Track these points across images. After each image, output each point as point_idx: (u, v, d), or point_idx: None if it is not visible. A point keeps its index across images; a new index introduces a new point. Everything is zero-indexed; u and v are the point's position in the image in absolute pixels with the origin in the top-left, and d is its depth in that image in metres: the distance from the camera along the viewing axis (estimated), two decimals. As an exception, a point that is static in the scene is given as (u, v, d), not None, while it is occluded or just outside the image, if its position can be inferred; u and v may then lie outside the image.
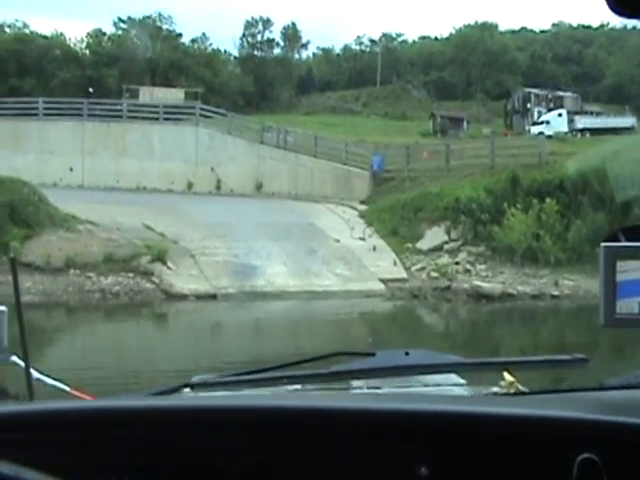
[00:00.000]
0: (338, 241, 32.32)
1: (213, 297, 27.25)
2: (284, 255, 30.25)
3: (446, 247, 32.01)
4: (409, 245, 32.28)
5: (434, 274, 30.11)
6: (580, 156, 32.57)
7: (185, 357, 18.76)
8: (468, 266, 30.58)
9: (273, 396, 2.24)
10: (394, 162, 41.51)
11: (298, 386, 2.48)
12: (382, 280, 29.26)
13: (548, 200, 30.65)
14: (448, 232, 32.48)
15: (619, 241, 1.86)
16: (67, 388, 4.82)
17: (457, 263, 30.85)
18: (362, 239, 32.78)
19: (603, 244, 1.80)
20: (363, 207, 37.73)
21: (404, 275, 30.03)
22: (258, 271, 28.84)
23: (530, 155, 36.88)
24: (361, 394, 2.45)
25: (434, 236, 32.45)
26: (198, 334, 24.69)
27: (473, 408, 1.79)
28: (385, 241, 32.73)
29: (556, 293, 28.88)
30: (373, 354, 2.43)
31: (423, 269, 30.54)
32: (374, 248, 31.75)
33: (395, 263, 30.78)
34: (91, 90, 55.21)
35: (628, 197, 24.67)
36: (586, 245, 28.43)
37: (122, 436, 1.69)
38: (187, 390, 2.32)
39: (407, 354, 2.38)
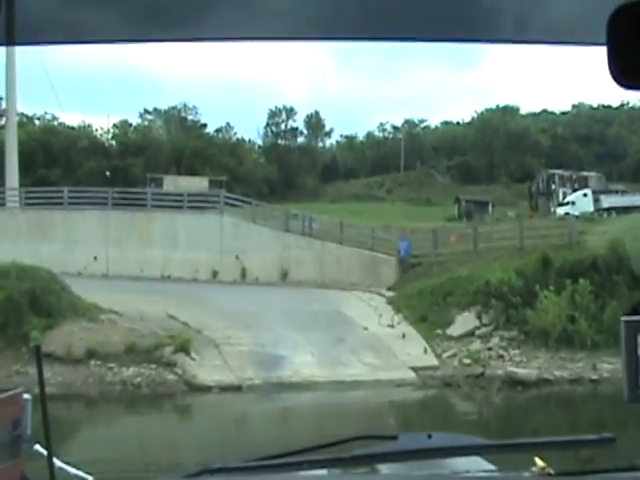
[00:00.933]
0: (366, 329, 31.57)
1: (238, 388, 26.34)
2: (311, 344, 29.46)
3: (477, 332, 31.09)
4: (439, 331, 31.49)
5: (466, 360, 29.21)
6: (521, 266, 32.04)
7: (208, 450, 17.92)
8: (501, 351, 29.65)
9: None
10: (421, 247, 41.02)
11: (321, 471, 2.44)
12: (412, 368, 28.36)
13: (581, 280, 29.85)
14: (479, 317, 31.61)
15: None
16: (90, 478, 4.79)
17: (489, 349, 29.94)
18: (391, 326, 32.04)
19: (623, 318, 1.78)
20: (391, 293, 37.10)
21: (435, 363, 29.14)
22: (285, 361, 28.02)
23: (559, 236, 36.31)
24: None
25: (465, 321, 31.60)
26: (221, 427, 23.78)
27: None
28: (414, 328, 31.93)
29: (595, 377, 27.82)
30: (395, 437, 2.37)
31: (455, 356, 29.66)
32: (403, 335, 30.95)
33: (425, 350, 29.94)
34: (108, 174, 55.27)
35: None
36: (623, 327, 27.59)
37: None
38: (207, 475, 2.29)
39: (430, 437, 2.32)
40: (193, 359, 27.71)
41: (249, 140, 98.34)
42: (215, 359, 27.95)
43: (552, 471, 2.57)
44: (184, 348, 27.81)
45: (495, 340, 30.41)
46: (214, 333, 29.94)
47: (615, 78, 1.40)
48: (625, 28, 1.41)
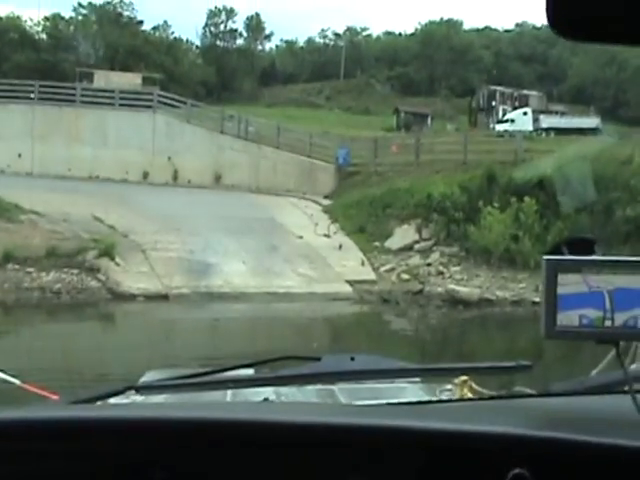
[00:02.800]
0: (301, 237, 30.58)
1: (164, 297, 24.92)
2: (243, 252, 28.23)
3: (417, 247, 30.07)
4: (377, 244, 30.50)
5: (405, 276, 28.15)
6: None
7: (131, 361, 16.51)
8: (441, 268, 28.62)
9: (196, 406, 2.15)
10: (360, 156, 40.32)
11: (246, 390, 2.63)
12: (349, 282, 27.24)
13: (527, 199, 28.74)
14: (419, 231, 30.58)
15: (562, 254, 1.85)
16: (17, 381, 4.56)
17: (429, 264, 28.92)
18: (327, 236, 31.06)
19: (545, 257, 1.79)
20: (327, 202, 36.38)
21: (373, 277, 28.02)
22: (215, 269, 26.69)
23: (504, 152, 35.60)
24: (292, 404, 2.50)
25: (404, 235, 30.55)
26: (146, 339, 22.00)
27: (400, 421, 1.75)
28: (351, 239, 30.95)
29: (537, 299, 26.75)
30: (319, 359, 2.39)
31: (393, 270, 28.57)
32: (340, 246, 29.90)
33: (363, 263, 28.87)
34: None
35: (573, 208, 24.90)
36: (567, 248, 26.76)
37: (36, 447, 1.67)
38: (132, 393, 2.29)
39: (353, 359, 2.36)
40: (118, 264, 26.17)
41: (187, 40, 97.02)
42: (141, 265, 26.48)
43: (471, 395, 2.69)
44: (108, 253, 26.24)
45: (435, 256, 29.40)
46: (141, 237, 28.61)
47: (554, 26, 1.37)
48: None
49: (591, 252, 1.89)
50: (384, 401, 2.45)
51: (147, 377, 3.07)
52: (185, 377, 2.39)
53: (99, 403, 2.17)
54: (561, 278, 1.78)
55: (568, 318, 1.78)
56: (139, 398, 2.38)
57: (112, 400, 2.26)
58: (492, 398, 2.37)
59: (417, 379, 3.05)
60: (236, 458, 1.68)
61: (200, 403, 2.34)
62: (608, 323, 1.79)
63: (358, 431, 1.70)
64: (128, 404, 2.30)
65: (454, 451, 1.67)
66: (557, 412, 1.97)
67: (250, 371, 2.57)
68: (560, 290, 1.78)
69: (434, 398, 2.79)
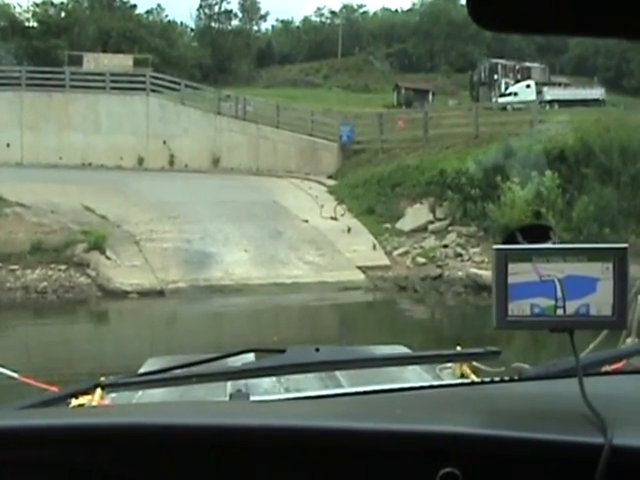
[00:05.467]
0: (306, 221, 28.73)
1: (160, 294, 22.78)
2: (245, 239, 26.40)
3: (431, 227, 28.06)
4: (388, 225, 28.61)
5: (420, 259, 26.13)
6: (480, 155, 29.44)
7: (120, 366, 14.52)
8: (459, 249, 26.53)
9: (148, 407, 2.24)
10: (365, 132, 38.95)
11: (212, 384, 2.57)
12: (361, 268, 25.20)
13: (548, 173, 26.68)
14: (433, 210, 28.61)
15: (517, 241, 1.89)
16: (16, 375, 4.40)
17: (446, 246, 26.87)
18: (334, 219, 29.21)
19: (495, 246, 1.83)
20: (332, 182, 34.76)
21: (386, 262, 25.97)
22: (214, 259, 24.70)
23: (517, 123, 33.77)
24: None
25: (416, 215, 28.60)
26: (134, 343, 19.85)
27: (333, 422, 1.74)
28: (360, 221, 29.13)
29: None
30: (283, 351, 2.46)
31: (407, 253, 26.57)
32: (348, 229, 27.98)
33: (374, 247, 26.87)
34: None
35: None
36: (593, 224, 25.45)
37: None
38: (99, 390, 2.31)
39: (317, 350, 2.44)
40: (109, 258, 24.09)
41: (181, 23, 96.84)
42: (134, 258, 24.43)
43: (473, 375, 2.71)
44: (98, 246, 24.20)
45: (452, 236, 27.34)
46: (135, 227, 26.75)
47: (474, 18, 1.36)
48: None
49: (547, 239, 1.89)
50: (384, 386, 2.32)
51: (148, 365, 3.21)
52: (151, 373, 2.50)
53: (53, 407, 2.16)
54: (511, 267, 1.78)
55: (519, 308, 1.79)
56: (111, 395, 2.39)
57: (74, 401, 2.23)
58: (463, 384, 2.37)
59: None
60: (187, 462, 1.65)
61: (152, 403, 2.42)
62: (560, 312, 1.79)
63: (263, 432, 1.67)
64: (75, 410, 2.17)
65: (384, 452, 1.65)
66: (511, 402, 1.97)
67: (215, 365, 2.53)
68: (511, 279, 1.77)
69: (435, 378, 2.86)
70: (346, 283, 24.12)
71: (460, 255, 26.27)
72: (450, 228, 27.83)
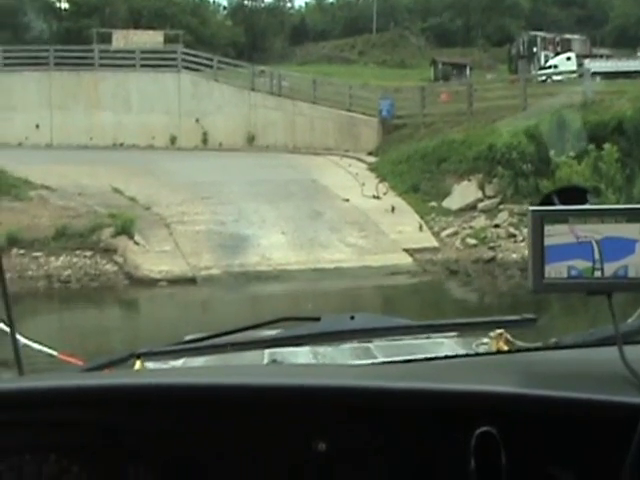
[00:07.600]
0: (347, 201, 27.28)
1: (191, 281, 21.24)
2: (282, 221, 25.05)
3: (481, 206, 26.40)
4: (434, 204, 27.06)
5: (471, 241, 24.48)
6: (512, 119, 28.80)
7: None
8: (512, 229, 24.83)
9: (194, 371, 2.27)
10: (405, 107, 37.64)
11: (246, 353, 2.56)
12: (407, 251, 23.59)
13: (606, 146, 25.04)
14: (482, 187, 26.94)
15: (554, 204, 1.85)
16: (55, 353, 4.92)
17: (497, 226, 25.19)
18: (376, 197, 27.68)
19: (530, 207, 1.80)
20: (373, 159, 33.32)
21: (434, 243, 24.36)
22: (250, 243, 23.21)
23: (568, 94, 31.65)
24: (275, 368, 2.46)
25: (464, 192, 27.00)
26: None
27: (371, 382, 1.75)
28: (404, 199, 27.55)
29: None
30: (318, 319, 2.46)
31: (456, 234, 24.94)
32: (392, 209, 26.37)
33: (421, 227, 25.27)
34: None
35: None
36: (656, 201, 23.54)
37: (48, 415, 1.70)
38: (134, 359, 2.34)
39: (352, 318, 2.42)
40: (137, 244, 22.58)
41: (213, 1, 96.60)
42: (164, 243, 22.99)
43: (507, 348, 2.71)
44: (126, 230, 22.75)
45: (503, 215, 25.63)
46: (166, 209, 25.55)
47: None
48: None
49: (583, 201, 1.87)
50: (420, 356, 2.29)
51: (145, 349, 2.97)
52: (185, 342, 2.50)
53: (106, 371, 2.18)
54: (548, 229, 1.76)
55: (556, 270, 1.76)
56: (148, 365, 2.41)
57: (115, 369, 2.27)
58: (500, 352, 2.44)
59: (452, 334, 3.08)
60: (236, 422, 1.68)
61: (198, 367, 2.46)
62: (598, 274, 1.75)
63: (322, 393, 1.69)
64: (128, 372, 2.26)
65: (420, 411, 1.66)
66: (548, 366, 1.95)
67: (251, 333, 2.54)
68: (547, 241, 1.76)
69: (470, 352, 2.76)
70: (392, 267, 22.50)
71: (513, 236, 24.61)
72: (501, 206, 26.19)
